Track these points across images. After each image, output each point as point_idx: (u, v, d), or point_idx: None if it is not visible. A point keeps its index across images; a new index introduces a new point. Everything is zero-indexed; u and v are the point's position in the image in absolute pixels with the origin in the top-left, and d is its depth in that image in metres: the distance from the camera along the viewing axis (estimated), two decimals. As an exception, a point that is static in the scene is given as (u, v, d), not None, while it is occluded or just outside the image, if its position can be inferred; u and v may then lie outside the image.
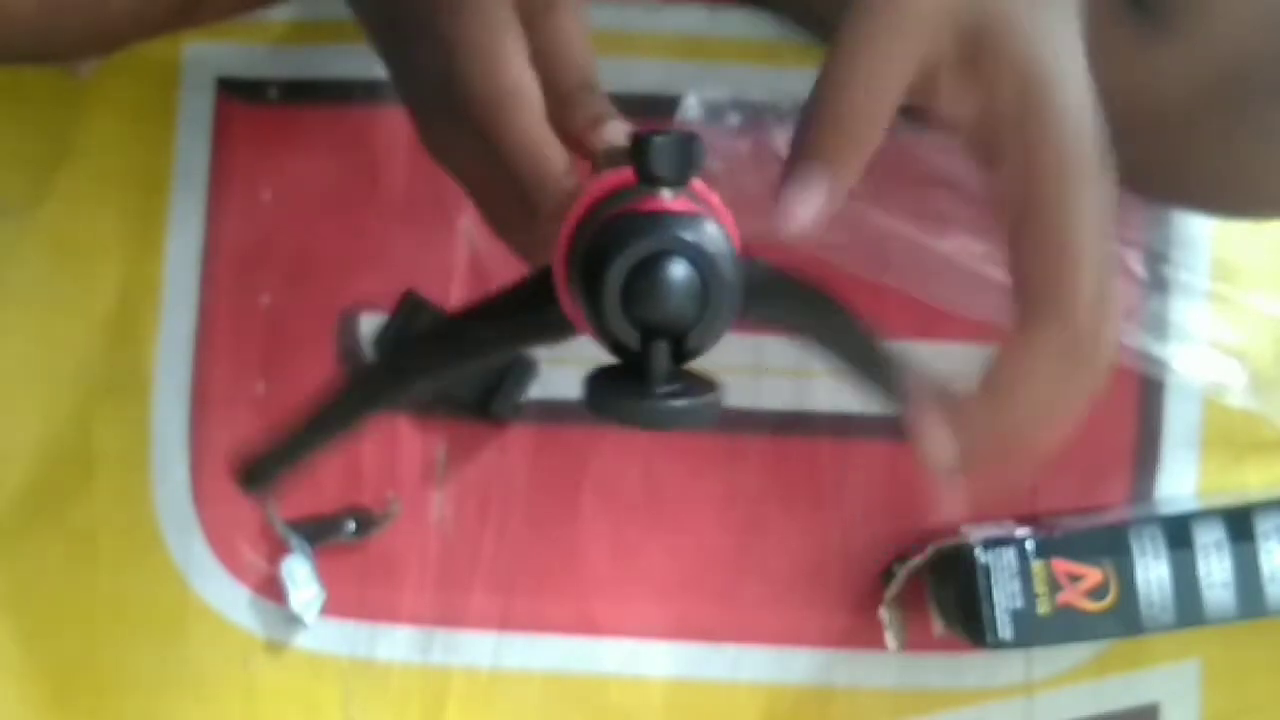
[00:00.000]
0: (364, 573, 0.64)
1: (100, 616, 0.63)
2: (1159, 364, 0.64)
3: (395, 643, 0.64)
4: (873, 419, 0.64)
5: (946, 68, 0.35)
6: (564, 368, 0.65)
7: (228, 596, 0.64)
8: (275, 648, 0.64)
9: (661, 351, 0.30)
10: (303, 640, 0.64)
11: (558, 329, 0.35)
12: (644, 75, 0.65)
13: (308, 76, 0.66)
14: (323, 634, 0.64)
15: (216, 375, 0.65)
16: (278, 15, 0.66)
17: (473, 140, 0.40)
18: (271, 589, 0.63)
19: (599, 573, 0.64)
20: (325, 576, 0.64)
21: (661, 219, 0.30)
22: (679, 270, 0.29)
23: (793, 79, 0.65)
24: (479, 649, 0.64)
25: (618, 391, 0.30)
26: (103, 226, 0.65)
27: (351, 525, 0.64)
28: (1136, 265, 0.64)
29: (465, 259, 0.65)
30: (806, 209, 0.33)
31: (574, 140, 0.41)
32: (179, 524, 0.64)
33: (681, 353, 0.30)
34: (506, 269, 0.64)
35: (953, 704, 0.64)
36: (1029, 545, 0.59)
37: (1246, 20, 0.54)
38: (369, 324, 0.65)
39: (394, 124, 0.65)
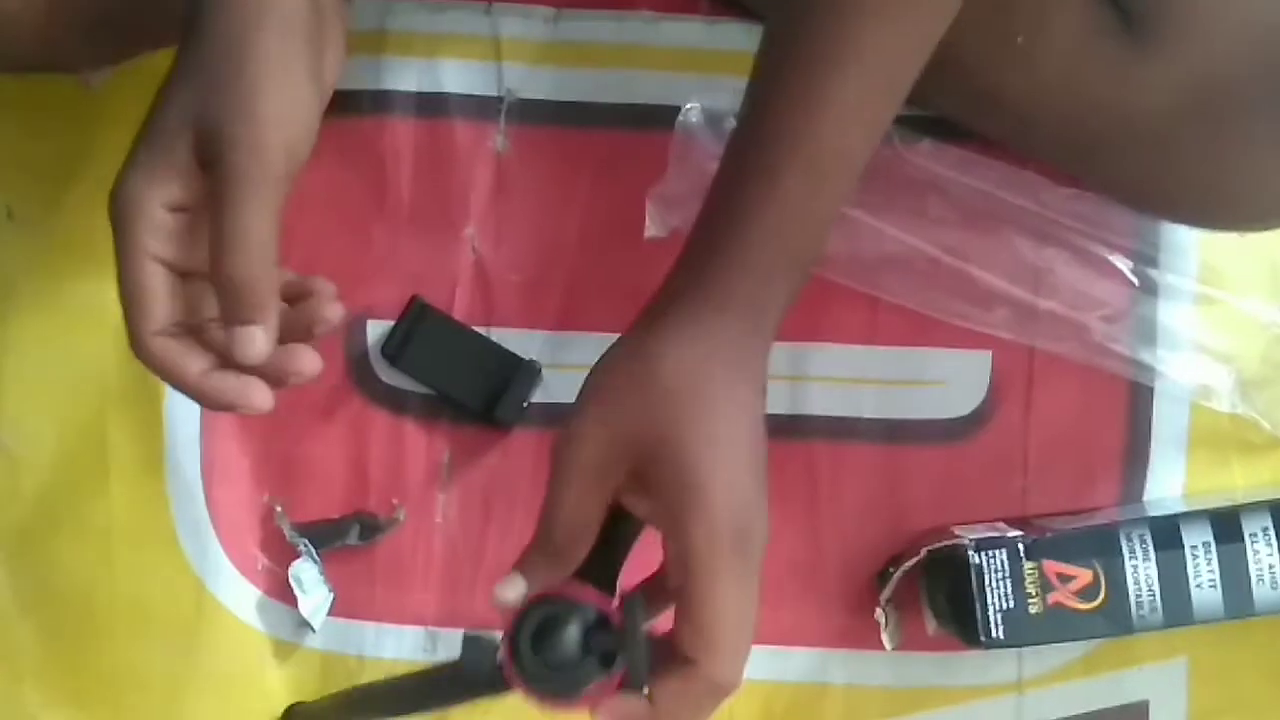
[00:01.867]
0: (371, 574, 0.65)
1: (118, 617, 0.64)
2: (1147, 369, 0.65)
3: (402, 642, 0.65)
4: (867, 423, 0.66)
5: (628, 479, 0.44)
6: (566, 373, 0.65)
7: (241, 598, 0.65)
8: (287, 647, 0.65)
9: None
10: (313, 640, 0.65)
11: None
12: (644, 86, 0.66)
13: (315, 87, 0.67)
14: (332, 634, 0.65)
15: (227, 380, 0.65)
16: (285, 27, 0.67)
17: None
18: (283, 590, 0.65)
19: (600, 573, 0.65)
20: (334, 578, 0.65)
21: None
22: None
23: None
24: (483, 648, 0.65)
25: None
26: (116, 235, 0.66)
27: (357, 530, 0.65)
28: (1125, 270, 0.65)
29: (470, 266, 0.66)
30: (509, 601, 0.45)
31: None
32: (193, 527, 0.65)
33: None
34: (510, 275, 0.66)
35: (945, 702, 0.65)
36: (1020, 547, 0.60)
37: (1229, 35, 0.54)
38: (375, 330, 0.66)
39: (400, 134, 0.66)
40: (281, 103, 0.44)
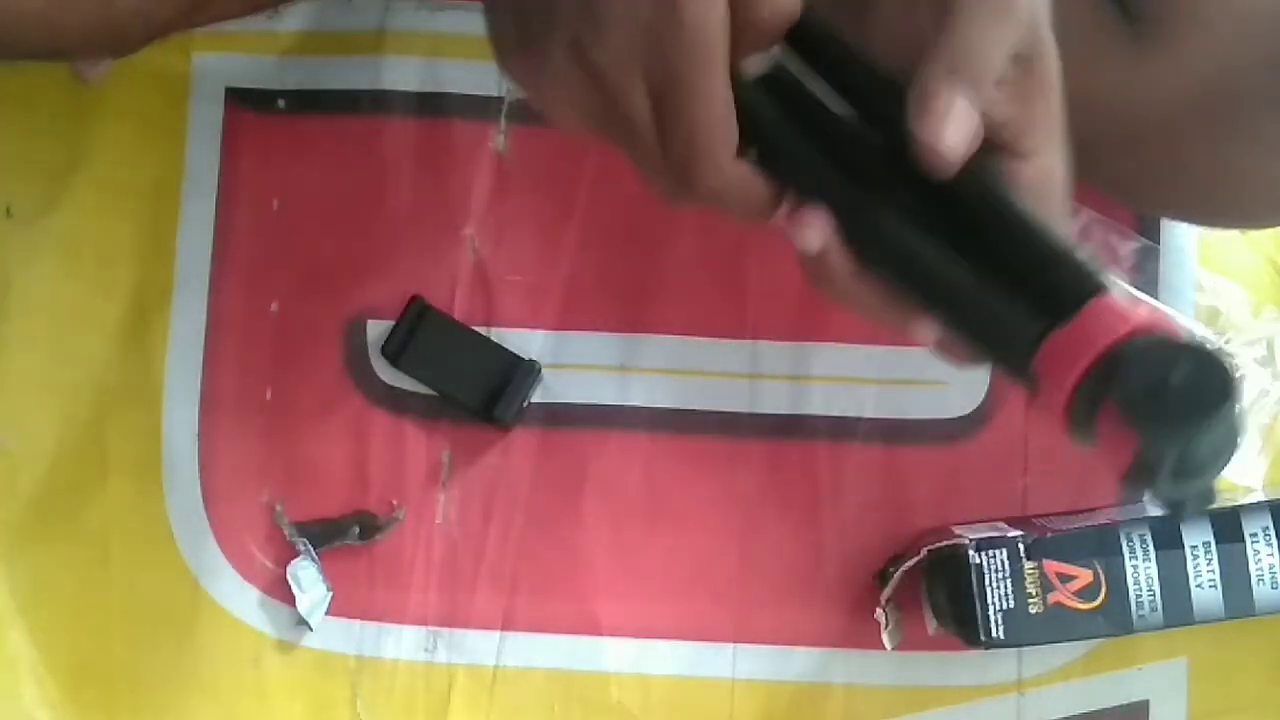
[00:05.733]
0: (371, 574, 0.65)
1: (114, 617, 0.64)
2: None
3: (401, 642, 0.65)
4: (868, 423, 0.66)
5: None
6: (566, 373, 0.66)
7: (238, 597, 0.65)
8: (285, 647, 0.65)
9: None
10: (311, 640, 0.65)
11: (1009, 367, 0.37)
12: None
13: (315, 87, 0.67)
14: (331, 634, 0.65)
15: (225, 381, 0.65)
16: (286, 26, 0.67)
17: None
18: (281, 589, 0.64)
19: (600, 573, 0.65)
20: (333, 577, 0.65)
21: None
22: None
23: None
24: (483, 648, 0.65)
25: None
26: (114, 234, 0.66)
27: (356, 530, 0.65)
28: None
29: (469, 266, 0.66)
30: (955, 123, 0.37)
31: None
32: (190, 526, 0.65)
33: None
34: (510, 276, 0.66)
35: (946, 702, 0.65)
36: (1021, 546, 0.60)
37: (1233, 30, 0.54)
38: (376, 330, 0.66)
39: (400, 134, 0.66)
40: None
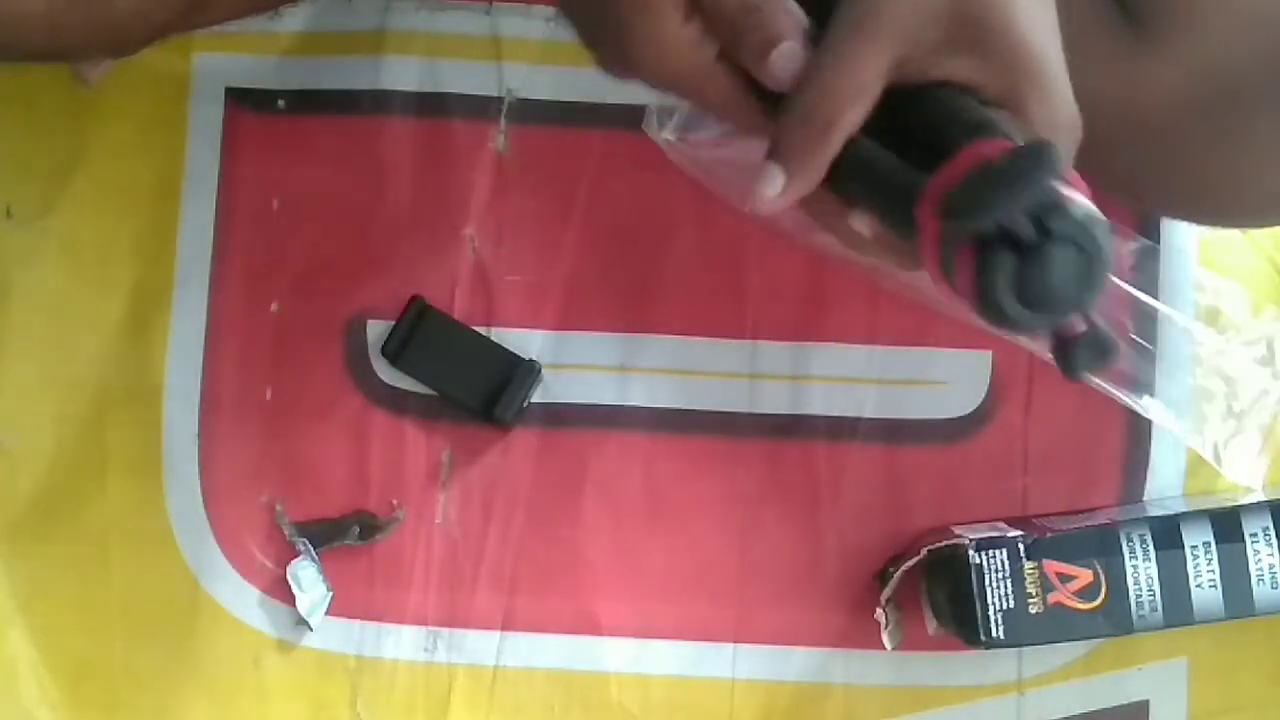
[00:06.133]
0: (371, 574, 0.65)
1: (114, 616, 0.64)
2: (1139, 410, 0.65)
3: (401, 642, 0.65)
4: (867, 423, 0.66)
5: (936, 51, 0.39)
6: (566, 373, 0.66)
7: (238, 597, 0.65)
8: (285, 647, 0.65)
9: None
10: (311, 640, 0.65)
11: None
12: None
13: (315, 87, 0.67)
14: (331, 633, 0.65)
15: (225, 380, 0.66)
16: (286, 26, 0.67)
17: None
18: (281, 589, 0.64)
19: (600, 573, 0.65)
20: (333, 577, 0.65)
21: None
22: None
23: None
24: (483, 648, 0.65)
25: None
26: (115, 234, 0.66)
27: (356, 530, 0.65)
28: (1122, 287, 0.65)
29: (469, 266, 0.66)
30: (767, 197, 0.40)
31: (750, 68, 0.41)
32: (190, 526, 0.65)
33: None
34: (510, 276, 0.66)
35: (946, 702, 0.65)
36: (1021, 546, 0.60)
37: (1232, 29, 0.54)
38: (376, 330, 0.66)
39: (400, 134, 0.66)
40: None
